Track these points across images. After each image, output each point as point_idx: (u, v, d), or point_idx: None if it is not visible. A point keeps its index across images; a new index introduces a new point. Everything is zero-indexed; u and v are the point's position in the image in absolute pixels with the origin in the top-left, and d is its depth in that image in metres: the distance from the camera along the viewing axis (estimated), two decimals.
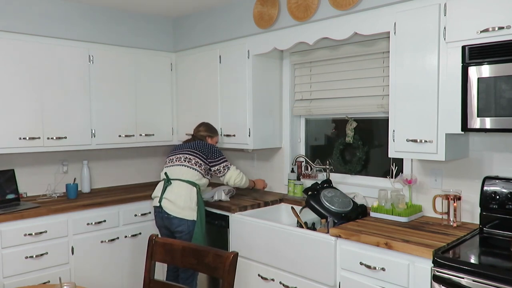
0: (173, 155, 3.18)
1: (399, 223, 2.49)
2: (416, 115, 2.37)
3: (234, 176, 3.17)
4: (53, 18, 3.23)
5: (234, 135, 3.44)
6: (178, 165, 3.09)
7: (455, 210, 2.42)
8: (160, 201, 3.00)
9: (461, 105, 2.15)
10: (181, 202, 2.95)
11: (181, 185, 3.00)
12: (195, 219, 2.97)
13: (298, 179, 3.39)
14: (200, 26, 3.69)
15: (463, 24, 2.16)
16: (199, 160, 3.08)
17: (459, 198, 2.44)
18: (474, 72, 2.10)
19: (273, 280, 2.72)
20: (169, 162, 3.16)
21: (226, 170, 3.16)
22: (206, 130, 3.33)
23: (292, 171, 3.43)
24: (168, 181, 3.04)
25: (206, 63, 3.66)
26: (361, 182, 3.13)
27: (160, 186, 3.10)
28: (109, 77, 3.54)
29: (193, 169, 3.06)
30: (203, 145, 3.16)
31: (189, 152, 3.12)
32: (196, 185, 3.03)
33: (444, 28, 2.23)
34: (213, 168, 3.14)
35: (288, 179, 3.43)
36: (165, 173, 3.09)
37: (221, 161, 3.16)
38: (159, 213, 3.03)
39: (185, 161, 3.08)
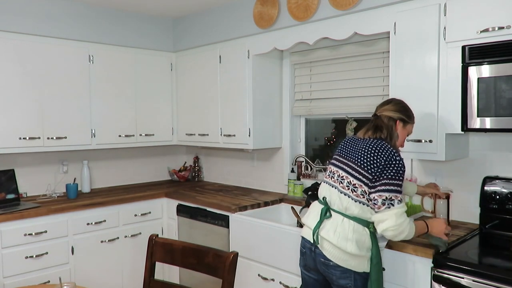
0: (335, 160, 2.08)
1: None
2: (416, 115, 2.35)
3: (391, 224, 1.84)
4: (53, 18, 3.23)
5: (234, 135, 3.44)
6: (331, 184, 2.03)
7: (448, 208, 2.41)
8: (314, 236, 1.98)
9: (461, 105, 2.15)
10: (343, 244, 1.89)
11: (344, 222, 1.92)
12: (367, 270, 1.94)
13: (298, 179, 3.39)
14: (200, 26, 3.69)
15: (463, 24, 2.16)
16: (353, 179, 1.93)
17: (448, 196, 2.42)
18: (474, 72, 2.10)
19: (273, 280, 2.72)
20: (328, 172, 2.09)
21: (389, 206, 1.85)
22: (396, 110, 2.06)
23: (292, 171, 3.42)
24: (327, 210, 1.97)
25: (206, 63, 3.66)
26: None
27: (315, 211, 2.05)
28: (109, 77, 3.54)
29: (346, 195, 1.94)
30: (376, 146, 1.94)
31: (348, 164, 1.98)
32: (367, 223, 1.92)
33: (444, 28, 2.23)
34: (372, 195, 1.88)
35: (288, 179, 3.42)
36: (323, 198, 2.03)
37: (392, 185, 1.86)
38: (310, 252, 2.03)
39: (338, 178, 2.00)
